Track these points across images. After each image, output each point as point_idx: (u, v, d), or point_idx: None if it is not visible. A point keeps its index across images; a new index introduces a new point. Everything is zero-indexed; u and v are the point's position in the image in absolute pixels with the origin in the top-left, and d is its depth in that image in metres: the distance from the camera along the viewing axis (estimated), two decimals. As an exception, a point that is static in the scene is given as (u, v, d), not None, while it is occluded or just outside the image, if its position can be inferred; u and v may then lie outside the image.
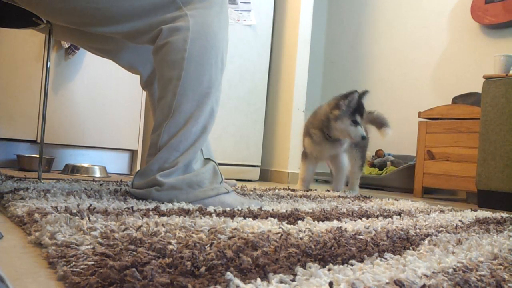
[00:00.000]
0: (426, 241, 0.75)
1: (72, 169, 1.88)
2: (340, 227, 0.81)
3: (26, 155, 1.90)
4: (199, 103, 1.04)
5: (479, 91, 2.42)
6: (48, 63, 1.40)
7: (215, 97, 1.08)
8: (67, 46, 1.96)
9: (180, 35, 1.02)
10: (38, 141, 1.91)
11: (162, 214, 0.81)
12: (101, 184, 1.29)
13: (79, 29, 1.19)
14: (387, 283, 0.47)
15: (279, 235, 0.68)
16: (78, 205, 0.83)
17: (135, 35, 1.07)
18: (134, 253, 0.51)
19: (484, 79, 2.01)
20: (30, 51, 1.91)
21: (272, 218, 0.85)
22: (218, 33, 1.07)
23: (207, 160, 1.10)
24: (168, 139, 1.03)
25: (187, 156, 1.03)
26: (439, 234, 0.85)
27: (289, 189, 1.83)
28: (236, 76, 2.55)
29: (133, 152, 2.26)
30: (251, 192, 1.46)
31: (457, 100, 2.48)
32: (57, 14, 1.03)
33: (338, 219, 0.95)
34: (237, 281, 0.43)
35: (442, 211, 1.35)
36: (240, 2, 2.53)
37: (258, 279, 0.45)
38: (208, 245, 0.57)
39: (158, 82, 1.07)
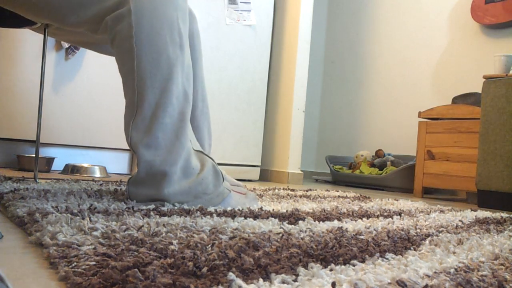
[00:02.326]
0: (427, 241, 0.75)
1: (72, 169, 1.88)
2: (341, 227, 0.81)
3: (26, 155, 1.89)
4: (162, 90, 0.93)
5: (479, 91, 2.43)
6: (44, 60, 1.39)
7: (182, 77, 0.96)
8: (67, 46, 1.96)
9: (124, 22, 0.92)
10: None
11: (163, 214, 0.81)
12: (101, 184, 1.29)
13: (72, 29, 1.18)
14: (389, 283, 0.47)
15: (280, 235, 0.68)
16: (78, 205, 0.83)
17: (89, 28, 1.00)
18: (136, 253, 0.51)
19: (484, 79, 2.01)
20: (30, 51, 1.91)
21: (272, 218, 0.85)
22: (166, 4, 0.94)
23: (200, 154, 1.02)
24: (140, 137, 0.93)
25: (175, 154, 0.94)
26: (440, 234, 0.85)
27: (289, 189, 1.83)
28: (236, 76, 2.55)
29: (133, 152, 2.25)
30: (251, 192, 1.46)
31: (457, 100, 2.48)
32: (23, 9, 1.00)
33: (339, 219, 0.95)
34: (239, 281, 0.43)
35: (442, 211, 1.35)
36: (240, 2, 2.53)
37: (260, 280, 0.45)
38: (209, 245, 0.57)
39: (121, 78, 0.99)
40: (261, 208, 1.02)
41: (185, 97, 0.97)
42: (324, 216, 0.96)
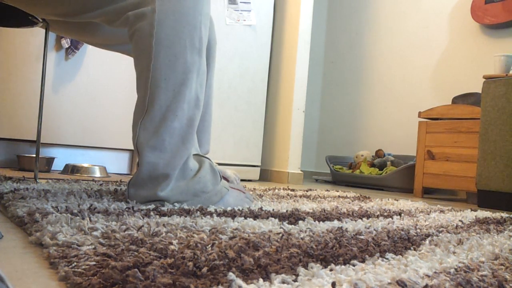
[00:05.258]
0: (427, 241, 0.75)
1: (72, 169, 1.88)
2: (341, 227, 0.81)
3: (26, 155, 1.89)
4: (175, 93, 0.92)
5: (479, 91, 2.43)
6: (45, 60, 1.39)
7: (196, 83, 0.96)
8: (67, 46, 1.96)
9: (146, 20, 0.92)
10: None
11: (163, 214, 0.81)
12: (101, 184, 1.29)
13: (77, 26, 1.18)
14: (389, 283, 0.47)
15: (280, 235, 0.68)
16: (78, 205, 0.83)
17: (106, 20, 1.01)
18: (136, 253, 0.51)
19: (484, 79, 2.01)
20: (30, 51, 1.91)
21: (272, 218, 0.85)
22: (191, 8, 0.93)
23: (197, 156, 1.02)
24: (147, 138, 0.92)
25: (179, 158, 0.94)
26: (440, 234, 0.85)
27: (289, 189, 1.82)
28: (236, 76, 2.55)
29: (133, 152, 2.25)
30: (251, 192, 1.46)
31: (457, 100, 2.48)
32: (34, 5, 1.01)
33: (339, 219, 0.95)
34: (239, 281, 0.43)
35: (442, 211, 1.35)
36: (240, 2, 2.53)
37: (260, 280, 0.45)
38: (209, 245, 0.57)
39: (136, 73, 0.99)
40: (261, 208, 1.02)
41: (196, 103, 0.96)
42: (324, 216, 0.96)
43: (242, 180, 2.48)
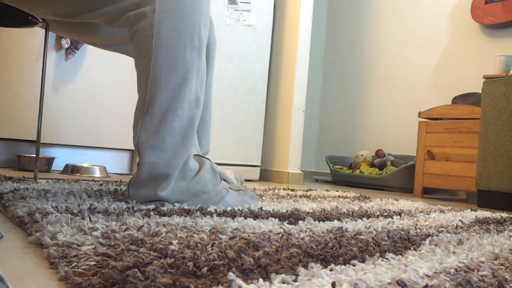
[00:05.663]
0: (427, 241, 0.75)
1: (72, 169, 1.88)
2: (341, 227, 0.81)
3: (26, 155, 1.89)
4: (175, 93, 0.93)
5: (479, 91, 2.43)
6: (45, 60, 1.39)
7: (196, 83, 0.96)
8: (67, 46, 1.96)
9: (146, 20, 0.92)
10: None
11: (163, 214, 0.81)
12: (101, 184, 1.29)
13: (77, 26, 1.18)
14: (389, 283, 0.47)
15: (280, 235, 0.68)
16: (78, 205, 0.83)
17: (106, 20, 1.01)
18: (136, 253, 0.51)
19: (484, 79, 2.01)
20: (30, 51, 1.91)
21: (272, 218, 0.85)
22: (191, 8, 0.94)
23: (197, 156, 1.02)
24: (147, 137, 0.92)
25: (179, 158, 0.94)
26: (440, 234, 0.85)
27: (289, 189, 1.82)
28: (236, 76, 2.55)
29: (133, 152, 2.25)
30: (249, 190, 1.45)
31: (457, 100, 2.48)
32: (34, 5, 1.01)
33: (339, 219, 0.95)
34: (239, 281, 0.43)
35: (442, 211, 1.35)
36: (240, 2, 2.53)
37: (260, 280, 0.45)
38: (209, 245, 0.57)
39: (136, 73, 0.99)
40: (261, 208, 1.02)
41: (196, 103, 0.97)
42: (324, 216, 0.96)
43: (242, 180, 2.48)
